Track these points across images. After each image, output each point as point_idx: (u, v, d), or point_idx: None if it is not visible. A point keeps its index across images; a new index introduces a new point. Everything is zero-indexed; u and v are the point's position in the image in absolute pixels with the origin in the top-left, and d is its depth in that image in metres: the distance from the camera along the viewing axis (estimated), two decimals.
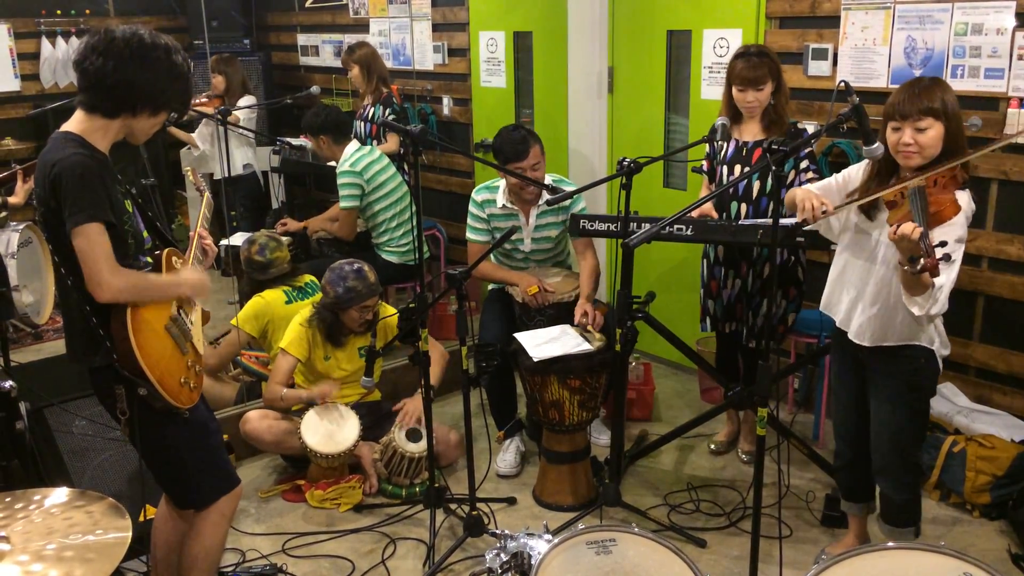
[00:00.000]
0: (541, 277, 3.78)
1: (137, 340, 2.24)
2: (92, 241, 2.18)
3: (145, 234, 2.45)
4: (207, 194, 2.86)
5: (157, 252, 2.46)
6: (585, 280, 3.73)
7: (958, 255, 2.49)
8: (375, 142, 5.14)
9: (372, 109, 5.30)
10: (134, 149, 5.76)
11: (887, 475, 2.83)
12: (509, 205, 3.87)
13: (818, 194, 2.67)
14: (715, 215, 3.50)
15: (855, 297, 2.74)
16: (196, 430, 2.49)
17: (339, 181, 4.69)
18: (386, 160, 4.83)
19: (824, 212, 2.59)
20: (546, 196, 3.61)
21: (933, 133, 2.52)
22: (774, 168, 2.35)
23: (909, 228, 2.27)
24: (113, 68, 2.23)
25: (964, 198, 2.52)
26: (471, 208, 3.96)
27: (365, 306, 3.72)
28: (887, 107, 2.59)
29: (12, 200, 4.37)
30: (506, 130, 3.82)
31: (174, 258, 2.49)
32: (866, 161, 2.74)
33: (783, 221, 3.20)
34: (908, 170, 2.57)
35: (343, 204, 4.71)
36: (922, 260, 2.20)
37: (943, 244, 2.20)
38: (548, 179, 3.84)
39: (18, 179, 4.29)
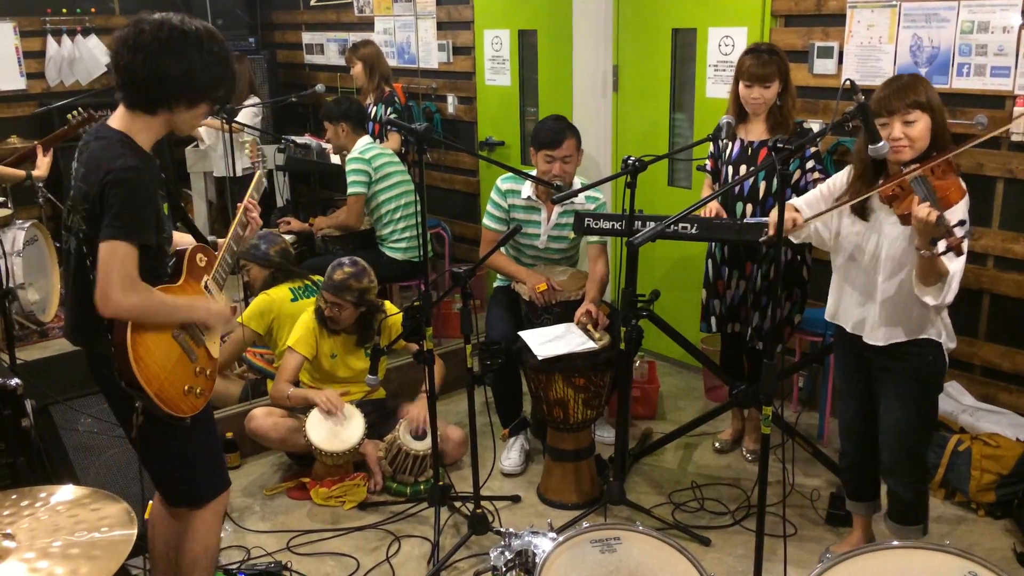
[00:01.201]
0: (549, 275, 3.78)
1: (136, 353, 2.18)
2: (116, 257, 2.13)
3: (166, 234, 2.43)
4: (259, 172, 2.79)
5: (182, 249, 2.41)
6: (592, 284, 3.73)
7: (965, 243, 2.51)
8: (378, 141, 5.14)
9: (374, 108, 5.31)
10: None
11: (896, 473, 2.83)
12: (534, 198, 3.87)
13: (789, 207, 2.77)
14: (724, 214, 3.50)
15: (864, 301, 2.75)
16: (203, 429, 2.48)
17: (348, 168, 4.71)
18: (395, 156, 4.85)
19: (795, 224, 2.69)
20: (565, 192, 3.58)
21: (921, 125, 2.56)
22: (779, 167, 2.35)
23: (924, 211, 2.31)
24: (143, 62, 2.16)
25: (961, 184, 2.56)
26: (493, 195, 3.96)
27: (323, 296, 3.72)
28: (874, 104, 2.60)
29: (36, 174, 4.40)
30: (549, 117, 3.84)
31: (199, 255, 2.44)
32: (849, 167, 2.78)
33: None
34: (898, 165, 2.59)
35: (351, 190, 4.72)
36: (943, 241, 2.23)
37: (962, 223, 2.24)
38: (576, 181, 3.84)
39: (39, 153, 4.32)
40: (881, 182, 2.61)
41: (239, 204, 2.62)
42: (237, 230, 2.58)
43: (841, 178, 2.82)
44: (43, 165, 4.36)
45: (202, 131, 6.25)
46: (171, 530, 2.66)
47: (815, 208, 2.81)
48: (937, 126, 2.58)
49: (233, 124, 4.83)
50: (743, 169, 3.52)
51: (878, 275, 2.69)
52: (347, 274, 3.70)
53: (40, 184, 5.29)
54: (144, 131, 2.26)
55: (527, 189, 3.87)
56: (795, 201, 2.87)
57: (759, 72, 3.38)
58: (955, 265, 2.46)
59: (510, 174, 3.94)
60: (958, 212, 2.48)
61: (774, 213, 2.76)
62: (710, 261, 3.72)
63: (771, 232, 2.68)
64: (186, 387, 2.32)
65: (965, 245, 2.48)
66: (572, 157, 3.76)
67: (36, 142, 4.45)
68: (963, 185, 2.53)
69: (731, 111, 3.54)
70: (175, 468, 2.49)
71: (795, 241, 2.91)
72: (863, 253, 2.73)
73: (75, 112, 4.48)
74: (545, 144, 3.72)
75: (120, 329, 2.19)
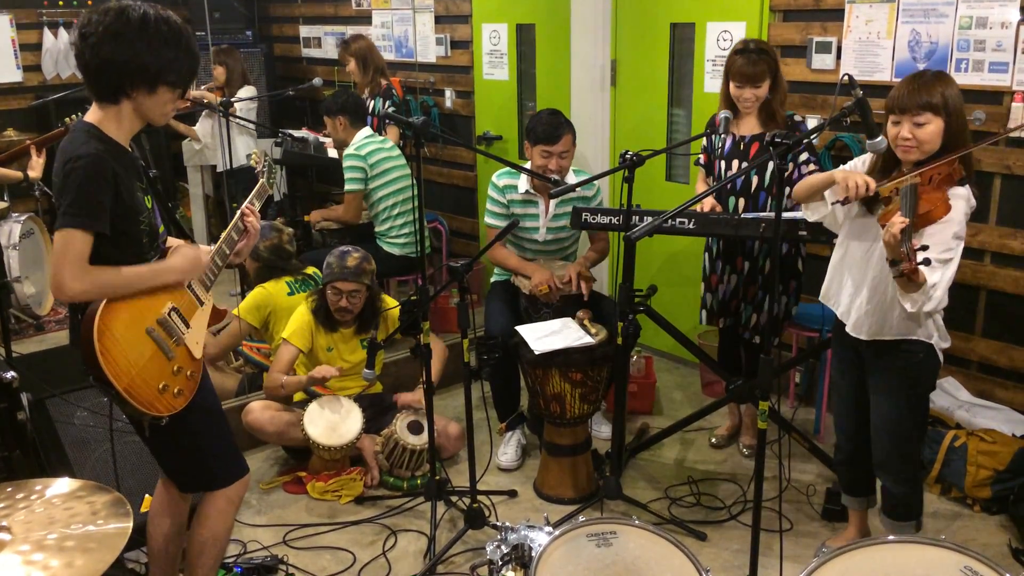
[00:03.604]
0: (548, 269, 3.79)
1: (102, 345, 2.15)
2: (68, 244, 2.12)
3: (162, 228, 2.41)
4: (262, 180, 2.78)
5: (166, 245, 2.40)
6: (591, 251, 3.82)
7: (957, 253, 2.49)
8: (377, 135, 5.13)
9: (372, 102, 5.29)
10: (136, 140, 5.79)
11: (887, 469, 2.83)
12: (532, 192, 3.87)
13: (863, 173, 2.59)
14: (720, 208, 3.50)
15: (853, 290, 2.75)
16: (212, 420, 2.48)
17: (344, 164, 4.70)
18: (396, 150, 4.82)
19: (868, 190, 2.49)
20: (562, 186, 3.59)
21: (932, 128, 2.51)
22: (777, 162, 2.34)
23: (895, 224, 2.28)
24: (92, 51, 2.16)
25: (963, 194, 2.51)
26: (491, 192, 3.95)
27: (336, 288, 3.71)
28: (889, 100, 2.58)
29: (32, 175, 4.40)
30: (545, 112, 3.82)
31: None
32: (868, 154, 2.74)
33: (788, 215, 3.21)
34: (907, 164, 2.57)
35: (347, 187, 4.72)
36: (902, 264, 2.20)
37: (924, 248, 2.20)
38: (571, 173, 3.84)
39: (32, 153, 4.31)
40: (892, 176, 2.59)
41: (241, 208, 2.58)
42: (232, 235, 2.55)
43: (858, 164, 2.78)
44: (37, 166, 4.37)
45: (198, 130, 6.24)
46: (172, 526, 2.66)
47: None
48: (952, 130, 2.51)
49: (229, 115, 4.83)
50: (735, 164, 3.52)
51: (868, 271, 2.69)
52: (358, 259, 3.71)
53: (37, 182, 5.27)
54: (113, 121, 2.24)
55: (523, 183, 3.86)
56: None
57: (750, 72, 3.37)
58: (936, 276, 2.40)
59: (505, 170, 3.93)
60: (935, 231, 2.43)
61: (839, 172, 2.64)
62: (707, 255, 3.72)
63: (854, 192, 2.47)
64: (161, 385, 2.27)
65: (952, 266, 2.44)
66: (568, 152, 3.77)
67: (28, 141, 4.44)
68: (958, 197, 2.47)
69: (723, 107, 3.52)
70: (188, 459, 2.49)
71: (810, 219, 2.87)
72: (861, 245, 2.72)
73: (74, 116, 4.47)
74: (543, 139, 3.72)
75: (87, 320, 2.17)
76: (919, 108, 2.50)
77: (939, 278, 2.42)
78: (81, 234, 2.13)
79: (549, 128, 3.71)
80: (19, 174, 4.46)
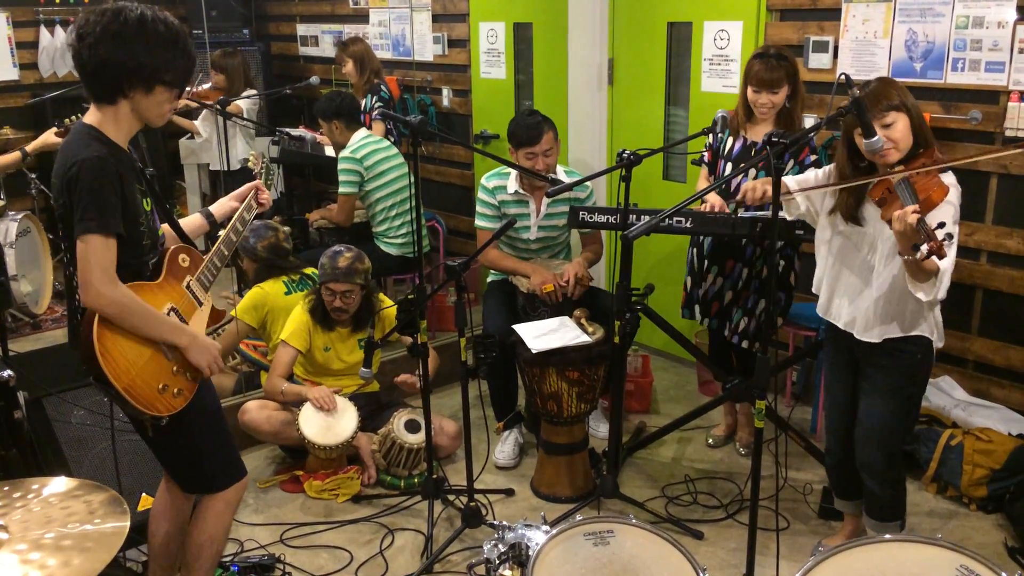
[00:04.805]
0: (545, 267, 3.79)
1: (102, 345, 2.16)
2: (93, 250, 2.12)
3: (160, 231, 2.41)
4: (259, 181, 2.78)
5: (163, 247, 2.40)
6: (588, 251, 3.88)
7: (955, 237, 2.53)
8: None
9: (364, 100, 5.29)
10: (133, 138, 5.78)
11: (873, 471, 2.84)
12: (521, 191, 3.86)
13: (762, 184, 2.96)
14: (727, 208, 3.48)
15: (857, 299, 2.75)
16: (211, 420, 2.48)
17: (339, 167, 4.69)
18: (393, 149, 4.81)
19: (764, 195, 2.88)
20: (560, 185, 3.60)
21: (901, 126, 2.58)
22: (774, 161, 2.34)
23: (905, 214, 2.31)
24: (89, 51, 2.15)
25: (952, 180, 2.57)
26: (481, 195, 3.95)
27: (330, 288, 3.70)
28: (848, 118, 2.60)
29: (29, 147, 4.39)
30: (521, 114, 3.83)
31: (181, 255, 2.43)
32: (831, 167, 2.81)
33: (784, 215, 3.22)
34: (887, 167, 2.60)
35: (341, 190, 4.71)
36: (925, 245, 2.23)
37: (942, 225, 2.24)
38: (560, 170, 3.84)
39: (53, 131, 4.32)
40: (874, 182, 2.62)
41: (255, 183, 2.61)
42: (244, 214, 2.55)
43: (819, 174, 2.85)
44: (39, 140, 4.35)
45: (199, 124, 6.23)
46: (173, 525, 2.66)
47: (804, 186, 2.85)
48: (915, 123, 2.61)
49: (227, 115, 4.82)
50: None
51: (872, 273, 2.70)
52: (350, 259, 3.70)
53: (33, 175, 5.27)
54: (112, 123, 2.24)
55: (513, 183, 3.86)
56: (787, 179, 2.88)
57: (767, 77, 3.36)
58: (945, 262, 2.44)
59: (494, 171, 3.95)
60: (941, 212, 2.47)
61: (747, 184, 2.92)
62: (694, 250, 3.72)
63: (738, 198, 2.98)
64: (160, 385, 2.28)
65: (953, 249, 2.48)
66: (552, 149, 3.76)
67: (70, 121, 4.46)
68: (946, 183, 2.52)
69: (740, 111, 3.52)
70: (186, 459, 2.49)
71: (789, 218, 2.94)
72: (857, 253, 2.73)
73: (74, 117, 4.47)
74: (524, 142, 3.72)
75: (88, 321, 2.17)
76: (883, 111, 2.57)
77: (947, 264, 2.47)
78: (102, 239, 2.13)
79: (529, 130, 3.71)
80: (17, 154, 4.46)
